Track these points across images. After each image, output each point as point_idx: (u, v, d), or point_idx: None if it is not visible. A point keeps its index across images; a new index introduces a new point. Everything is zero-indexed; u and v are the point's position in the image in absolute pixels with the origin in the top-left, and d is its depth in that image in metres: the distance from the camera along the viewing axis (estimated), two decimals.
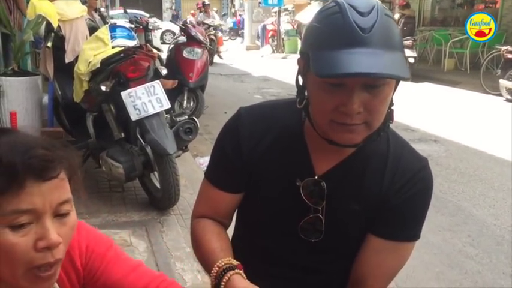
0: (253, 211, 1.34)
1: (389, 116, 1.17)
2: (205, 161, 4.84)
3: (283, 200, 1.27)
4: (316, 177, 1.23)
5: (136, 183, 3.59)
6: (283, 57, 15.80)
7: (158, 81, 3.07)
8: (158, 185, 3.31)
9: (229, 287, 1.14)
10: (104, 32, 3.27)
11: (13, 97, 4.13)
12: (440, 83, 10.06)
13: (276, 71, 11.89)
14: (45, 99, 4.83)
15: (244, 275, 1.16)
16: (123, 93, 2.94)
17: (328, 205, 1.23)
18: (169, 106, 3.08)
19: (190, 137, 3.20)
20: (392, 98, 1.13)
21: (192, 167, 4.40)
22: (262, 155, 1.28)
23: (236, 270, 1.16)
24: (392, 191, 1.22)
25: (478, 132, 6.14)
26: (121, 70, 3.02)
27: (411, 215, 1.24)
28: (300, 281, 1.32)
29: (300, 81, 1.20)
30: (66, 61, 3.80)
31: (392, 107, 1.17)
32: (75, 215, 0.94)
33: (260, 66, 13.47)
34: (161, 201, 3.23)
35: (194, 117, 3.30)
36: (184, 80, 6.06)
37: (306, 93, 1.19)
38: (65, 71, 3.90)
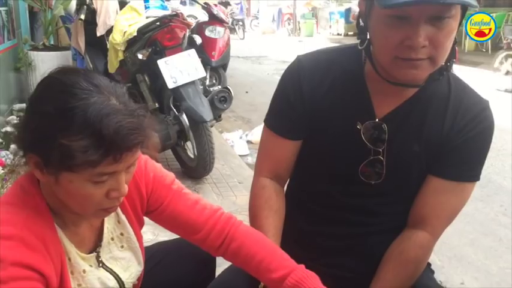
0: (312, 156, 1.36)
1: (453, 53, 1.18)
2: (231, 136, 4.89)
3: (343, 143, 1.29)
4: (377, 120, 1.25)
5: (168, 154, 3.64)
6: (300, 41, 15.72)
7: (193, 49, 3.10)
8: (191, 155, 3.36)
9: None
10: (138, 2, 3.29)
11: (45, 72, 4.17)
12: (461, 64, 9.94)
13: (294, 54, 11.79)
14: None
15: None
16: (160, 61, 2.97)
17: (388, 147, 1.25)
18: (204, 74, 3.12)
19: (225, 105, 3.24)
20: (455, 35, 1.14)
21: (220, 141, 4.44)
22: (323, 99, 1.30)
23: None
24: (454, 131, 1.23)
25: (503, 110, 6.08)
26: (157, 38, 3.05)
27: (472, 155, 1.25)
28: (357, 224, 1.35)
29: (361, 23, 1.21)
30: (98, 34, 3.83)
31: (456, 46, 1.18)
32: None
33: (277, 49, 13.43)
34: (196, 170, 3.27)
35: (228, 86, 3.33)
36: (206, 58, 6.04)
37: (367, 35, 1.21)
38: (96, 45, 3.95)
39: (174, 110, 3.28)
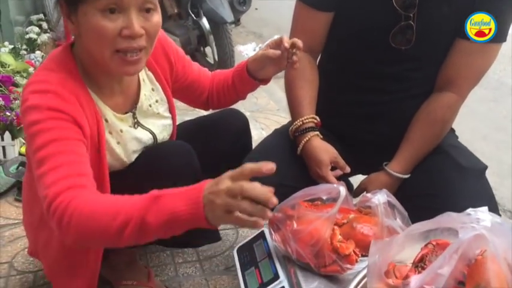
0: (343, 26, 1.43)
1: None
2: (245, 48, 4.92)
3: (375, 10, 1.35)
4: None
5: None
6: None
7: None
8: (211, 60, 3.42)
9: (308, 145, 1.37)
10: None
11: None
12: None
13: None
14: None
15: (321, 135, 1.39)
16: None
17: (419, 12, 1.32)
18: None
19: (244, 7, 3.26)
20: None
21: (235, 51, 4.48)
22: None
23: (316, 133, 1.38)
24: None
25: None
26: None
27: (499, 15, 1.30)
28: (388, 91, 1.44)
29: None
30: None
31: None
32: (160, 17, 1.10)
33: None
34: None
35: None
36: None
37: None
38: None
39: (192, 15, 3.30)
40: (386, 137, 1.47)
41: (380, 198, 1.14)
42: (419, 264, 0.70)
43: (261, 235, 1.32)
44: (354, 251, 1.10)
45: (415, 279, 0.63)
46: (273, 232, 1.22)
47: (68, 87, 1.07)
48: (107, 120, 1.19)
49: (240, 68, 1.40)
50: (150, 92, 1.32)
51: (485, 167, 1.41)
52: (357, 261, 1.09)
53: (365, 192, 1.45)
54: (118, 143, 1.21)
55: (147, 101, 1.30)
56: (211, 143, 1.49)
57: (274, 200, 0.83)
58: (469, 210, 0.66)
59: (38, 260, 1.40)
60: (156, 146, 1.30)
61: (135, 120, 1.27)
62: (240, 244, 1.37)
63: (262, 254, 1.26)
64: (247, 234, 1.73)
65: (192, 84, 1.43)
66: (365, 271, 0.96)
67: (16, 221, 1.76)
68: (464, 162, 1.40)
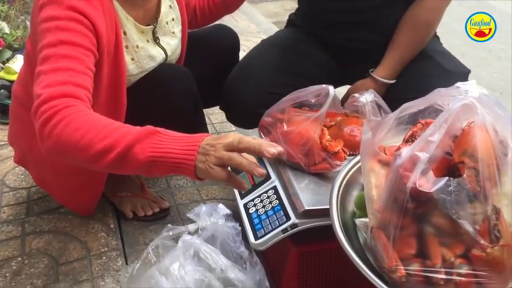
0: None
1: None
2: None
3: None
4: None
5: None
6: None
7: None
8: None
9: None
10: None
11: None
12: None
13: None
14: None
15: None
16: None
17: None
18: None
19: None
20: None
21: None
22: None
23: None
24: None
25: None
26: None
27: None
28: None
29: None
30: None
31: None
32: None
33: None
34: None
35: None
36: None
37: None
38: None
39: None
40: (373, 44, 1.48)
41: (367, 97, 1.17)
42: (410, 139, 0.74)
43: None
44: (342, 149, 1.14)
45: (406, 149, 0.67)
46: (263, 136, 1.25)
47: None
48: (125, 33, 1.17)
49: None
50: (168, 8, 1.31)
51: (469, 71, 1.45)
52: (345, 158, 1.14)
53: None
54: (132, 59, 1.20)
55: (166, 17, 1.29)
56: (204, 61, 1.48)
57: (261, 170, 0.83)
58: (458, 84, 0.69)
59: (25, 169, 1.42)
60: (156, 69, 1.27)
61: (155, 35, 1.26)
62: None
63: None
64: None
65: (186, 6, 1.41)
66: (351, 163, 1.01)
67: (2, 143, 1.75)
68: (448, 66, 1.44)
